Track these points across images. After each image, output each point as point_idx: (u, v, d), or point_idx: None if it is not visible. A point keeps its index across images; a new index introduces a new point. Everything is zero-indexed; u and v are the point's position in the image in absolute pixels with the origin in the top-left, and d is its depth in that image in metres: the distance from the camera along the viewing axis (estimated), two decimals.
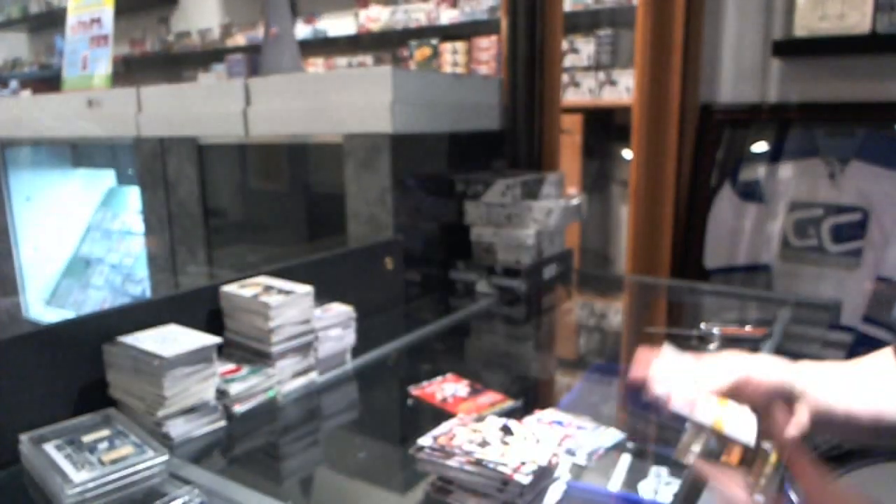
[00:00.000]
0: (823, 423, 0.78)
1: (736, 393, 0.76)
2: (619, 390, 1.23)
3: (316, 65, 4.56)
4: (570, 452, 0.89)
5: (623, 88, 2.96)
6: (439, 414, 1.01)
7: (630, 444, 0.94)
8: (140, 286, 2.75)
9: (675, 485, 0.83)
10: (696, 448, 0.77)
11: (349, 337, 1.22)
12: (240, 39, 4.95)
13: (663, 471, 0.87)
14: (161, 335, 0.98)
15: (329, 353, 1.18)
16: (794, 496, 1.09)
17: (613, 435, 0.95)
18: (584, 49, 3.06)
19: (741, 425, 0.73)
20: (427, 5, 3.95)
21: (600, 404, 1.13)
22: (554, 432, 0.82)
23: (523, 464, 0.73)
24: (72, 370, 0.95)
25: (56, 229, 2.97)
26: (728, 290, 1.81)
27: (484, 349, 1.46)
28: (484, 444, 0.77)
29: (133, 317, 1.01)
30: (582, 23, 3.13)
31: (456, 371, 1.17)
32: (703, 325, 1.38)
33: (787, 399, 0.78)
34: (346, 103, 1.63)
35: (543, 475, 0.77)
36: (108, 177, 3.01)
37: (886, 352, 0.87)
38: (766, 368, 0.79)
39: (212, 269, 2.10)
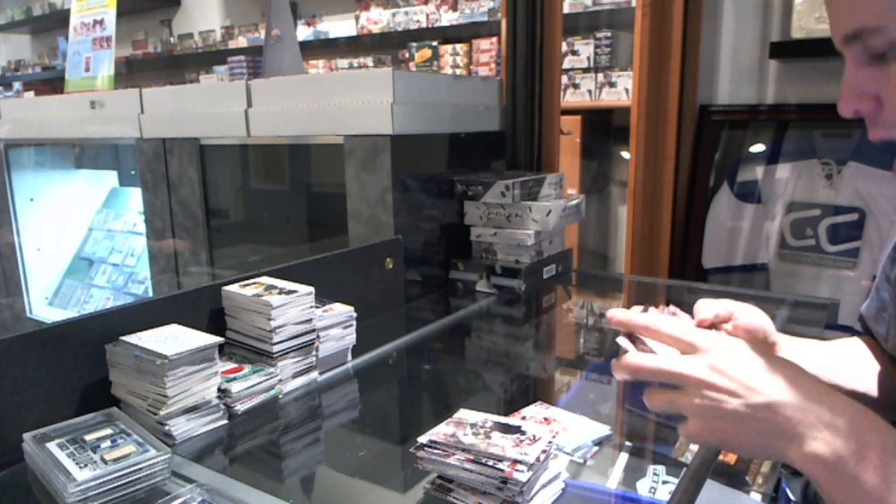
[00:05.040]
0: None
1: (715, 325, 0.79)
2: (617, 389, 1.23)
3: (317, 66, 4.57)
4: (568, 450, 0.90)
5: (622, 90, 2.96)
6: (442, 412, 1.01)
7: (628, 443, 0.95)
8: (142, 286, 2.76)
9: (672, 483, 0.84)
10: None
11: (350, 336, 1.23)
12: (241, 41, 4.95)
13: (661, 469, 0.88)
14: (163, 335, 0.99)
15: (330, 353, 1.19)
16: (791, 495, 1.10)
17: (610, 433, 0.96)
18: (583, 51, 3.06)
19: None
20: (427, 7, 3.96)
21: (599, 403, 1.14)
22: (552, 430, 0.83)
23: (522, 462, 0.74)
24: (74, 370, 0.96)
25: (59, 229, 2.98)
26: (726, 289, 1.81)
27: (484, 349, 1.47)
28: (483, 442, 0.78)
29: (135, 316, 1.02)
30: (581, 25, 3.13)
31: (456, 370, 1.18)
32: None
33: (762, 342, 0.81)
34: (346, 104, 1.63)
35: (542, 473, 0.78)
36: (110, 177, 3.02)
37: (854, 339, 0.95)
38: (751, 312, 0.82)
39: (213, 269, 2.10)
